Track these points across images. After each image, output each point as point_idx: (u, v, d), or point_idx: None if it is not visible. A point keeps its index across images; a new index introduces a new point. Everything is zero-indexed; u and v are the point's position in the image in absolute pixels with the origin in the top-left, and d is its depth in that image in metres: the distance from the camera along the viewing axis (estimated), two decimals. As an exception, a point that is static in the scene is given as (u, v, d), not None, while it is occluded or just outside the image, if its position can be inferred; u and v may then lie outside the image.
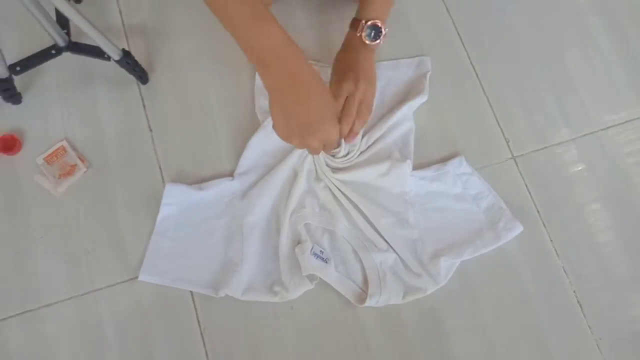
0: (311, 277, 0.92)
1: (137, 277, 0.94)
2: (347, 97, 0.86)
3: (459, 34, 1.10)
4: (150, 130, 1.03)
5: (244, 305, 0.93)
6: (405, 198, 0.95)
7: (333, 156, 0.96)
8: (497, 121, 1.04)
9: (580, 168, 1.02)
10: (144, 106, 1.05)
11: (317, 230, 0.95)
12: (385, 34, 0.90)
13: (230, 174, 0.99)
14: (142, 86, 1.06)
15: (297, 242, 0.94)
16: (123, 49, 0.98)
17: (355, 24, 0.91)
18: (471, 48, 1.09)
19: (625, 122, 1.05)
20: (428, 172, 0.97)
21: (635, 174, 1.02)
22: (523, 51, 1.09)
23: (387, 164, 0.94)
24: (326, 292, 0.94)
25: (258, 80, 1.03)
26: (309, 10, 1.11)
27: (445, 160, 1.00)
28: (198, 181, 0.99)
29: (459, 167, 0.98)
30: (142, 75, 1.04)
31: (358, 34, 0.89)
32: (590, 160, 1.03)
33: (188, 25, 1.09)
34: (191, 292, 0.94)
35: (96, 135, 1.03)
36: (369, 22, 0.88)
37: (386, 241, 0.94)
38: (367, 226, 0.94)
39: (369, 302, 0.90)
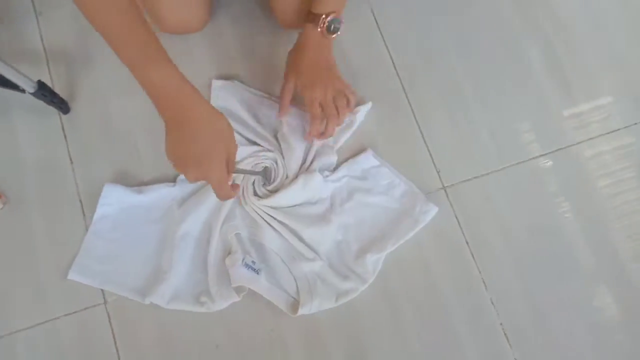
0: (239, 290, 0.91)
1: (57, 318, 0.92)
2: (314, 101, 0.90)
3: (392, 61, 1.08)
4: (72, 162, 1.00)
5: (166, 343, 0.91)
6: (324, 204, 0.96)
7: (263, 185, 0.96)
8: (428, 151, 1.03)
9: (509, 198, 1.02)
10: (65, 136, 1.01)
11: (247, 240, 0.94)
12: (343, 25, 0.89)
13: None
14: (63, 116, 1.02)
15: (228, 252, 0.93)
16: (38, 81, 0.94)
17: (313, 18, 0.88)
18: (404, 75, 1.07)
19: (555, 150, 1.05)
20: (340, 173, 0.98)
21: (559, 204, 1.02)
22: (456, 80, 1.08)
23: (301, 180, 0.94)
24: (253, 303, 0.93)
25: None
26: (241, 35, 1.08)
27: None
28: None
29: (366, 161, 0.99)
30: (61, 106, 1.00)
31: (319, 29, 0.88)
32: (518, 190, 1.02)
33: (111, 53, 1.04)
34: (113, 335, 0.92)
35: (14, 169, 0.99)
36: (330, 16, 0.87)
37: (313, 250, 0.94)
38: (293, 237, 0.94)
39: (301, 311, 0.90)
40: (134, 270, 0.93)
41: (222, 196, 0.75)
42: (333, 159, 0.99)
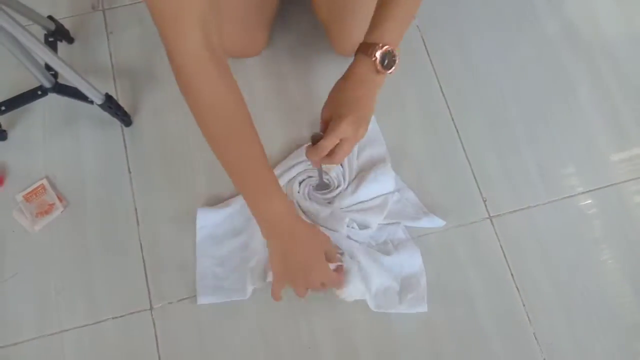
0: None
1: (104, 320, 0.95)
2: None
3: (442, 91, 1.10)
4: (130, 172, 1.05)
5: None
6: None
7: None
8: (475, 180, 1.04)
9: (556, 232, 1.01)
10: (126, 148, 1.06)
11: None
12: (398, 63, 0.77)
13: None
14: (125, 128, 1.07)
15: None
16: (106, 94, 1.00)
17: (366, 48, 0.76)
18: (453, 105, 1.09)
19: (605, 186, 1.04)
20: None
21: (602, 247, 1.00)
22: (505, 111, 1.09)
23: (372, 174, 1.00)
24: (293, 318, 0.93)
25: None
26: (296, 62, 1.13)
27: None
28: (178, 226, 1.01)
29: (394, 233, 1.00)
30: (124, 119, 1.06)
31: (373, 59, 0.76)
32: (565, 225, 1.01)
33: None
34: (156, 341, 0.94)
35: (76, 175, 1.04)
36: (384, 47, 0.75)
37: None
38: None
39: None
40: (243, 276, 0.97)
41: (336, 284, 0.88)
42: (382, 148, 1.03)
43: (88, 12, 1.17)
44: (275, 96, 1.09)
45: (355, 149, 1.03)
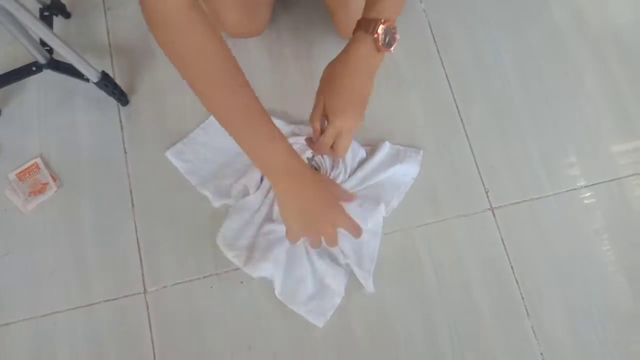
0: None
1: (97, 303, 0.93)
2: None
3: (447, 78, 1.07)
4: (126, 152, 1.03)
5: (200, 344, 0.91)
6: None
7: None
8: (478, 170, 1.02)
9: (557, 225, 0.99)
10: (122, 128, 1.04)
11: None
12: (398, 40, 0.74)
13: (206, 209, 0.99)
14: (121, 107, 1.05)
15: None
16: (102, 72, 0.97)
17: (367, 25, 0.72)
18: (458, 93, 1.06)
19: (609, 180, 1.02)
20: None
21: (613, 233, 0.99)
22: (511, 99, 1.06)
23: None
24: (290, 311, 0.92)
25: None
26: (298, 43, 1.10)
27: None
28: (175, 208, 0.99)
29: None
30: (121, 98, 1.03)
31: (375, 35, 0.71)
32: (567, 218, 1.00)
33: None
34: (150, 325, 0.93)
35: (71, 154, 1.02)
36: (386, 23, 0.71)
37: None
38: None
39: None
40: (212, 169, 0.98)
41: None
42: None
43: (85, -13, 1.13)
44: (276, 77, 1.06)
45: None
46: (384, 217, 0.97)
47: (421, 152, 1.00)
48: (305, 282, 0.93)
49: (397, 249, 0.97)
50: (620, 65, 1.09)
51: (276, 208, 0.94)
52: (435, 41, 1.10)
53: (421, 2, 1.13)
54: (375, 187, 0.98)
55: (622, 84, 1.08)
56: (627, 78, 1.08)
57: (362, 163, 0.98)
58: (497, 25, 1.12)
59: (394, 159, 0.99)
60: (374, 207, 0.95)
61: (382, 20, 0.71)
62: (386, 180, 0.98)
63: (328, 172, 0.96)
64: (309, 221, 0.76)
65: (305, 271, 0.93)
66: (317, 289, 0.93)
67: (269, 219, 0.95)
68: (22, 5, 0.80)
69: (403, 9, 0.76)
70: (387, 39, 0.72)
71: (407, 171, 0.99)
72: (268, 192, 0.97)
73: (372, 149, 1.01)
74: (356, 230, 0.78)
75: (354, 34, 0.75)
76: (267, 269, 0.91)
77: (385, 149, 1.00)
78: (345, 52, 0.76)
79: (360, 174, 0.97)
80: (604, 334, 0.94)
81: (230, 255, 0.93)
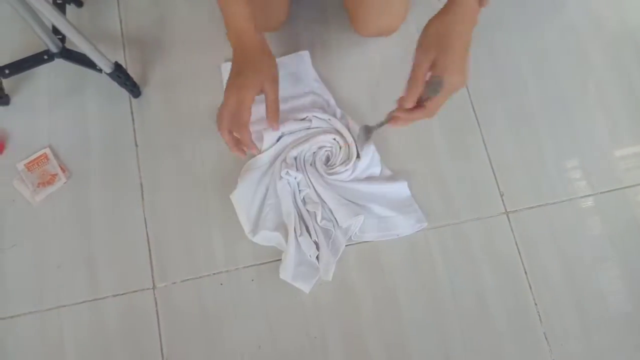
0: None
1: (105, 297, 0.92)
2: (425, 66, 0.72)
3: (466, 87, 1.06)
4: (137, 145, 1.01)
5: (210, 340, 0.90)
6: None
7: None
8: (494, 173, 1.00)
9: (572, 230, 0.98)
10: (133, 120, 1.02)
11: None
12: None
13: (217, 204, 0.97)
14: (133, 99, 1.03)
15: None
16: (115, 62, 0.95)
17: None
18: (475, 96, 1.05)
19: (623, 188, 1.01)
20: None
21: (627, 240, 0.98)
22: (527, 103, 1.05)
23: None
24: (300, 309, 0.90)
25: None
26: (313, 40, 1.08)
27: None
28: (186, 203, 0.98)
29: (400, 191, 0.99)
30: (133, 89, 1.01)
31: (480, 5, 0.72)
32: (585, 224, 0.98)
33: (187, 42, 1.06)
34: (158, 320, 0.91)
35: (81, 145, 1.00)
36: None
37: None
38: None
39: None
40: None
41: (234, 127, 0.80)
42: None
43: (98, -25, 1.11)
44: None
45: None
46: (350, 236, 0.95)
47: (425, 224, 0.96)
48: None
49: (410, 249, 0.95)
50: (638, 68, 1.07)
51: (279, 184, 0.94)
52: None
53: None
54: (364, 201, 0.96)
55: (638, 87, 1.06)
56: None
57: (370, 179, 0.97)
58: (514, 29, 1.10)
59: (400, 205, 0.97)
60: (352, 214, 0.93)
61: None
62: (377, 213, 0.96)
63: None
64: (233, 82, 0.80)
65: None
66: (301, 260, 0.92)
67: (274, 188, 0.95)
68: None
69: None
70: None
71: (400, 224, 0.96)
72: (278, 154, 0.96)
73: (391, 176, 0.99)
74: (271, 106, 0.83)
75: None
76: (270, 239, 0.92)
77: (403, 190, 0.98)
78: (451, 8, 0.73)
79: (360, 186, 0.96)
80: (616, 339, 0.93)
81: (241, 217, 0.93)
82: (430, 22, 0.74)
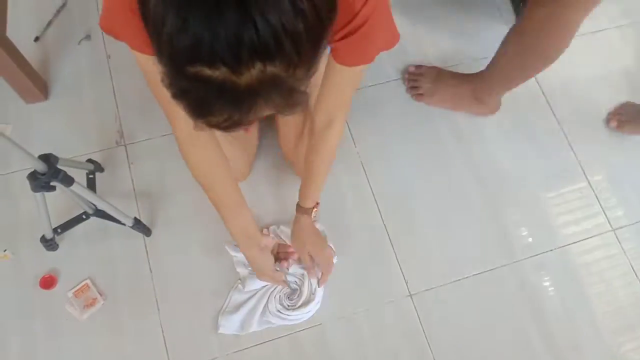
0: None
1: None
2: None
3: (371, 189, 1.54)
4: (151, 271, 1.44)
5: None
6: None
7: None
8: (397, 260, 1.47)
9: (470, 305, 1.45)
10: (147, 253, 1.46)
11: None
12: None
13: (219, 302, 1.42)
14: (146, 238, 1.47)
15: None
16: (135, 218, 1.39)
17: (305, 211, 1.29)
18: (382, 205, 1.53)
19: (488, 270, 1.49)
20: None
21: (539, 308, 1.46)
22: (427, 212, 1.54)
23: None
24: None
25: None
26: (270, 183, 1.55)
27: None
28: (196, 317, 1.40)
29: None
30: (146, 232, 1.45)
31: (312, 218, 1.32)
32: (479, 299, 1.45)
33: (183, 191, 1.51)
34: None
35: (111, 275, 1.43)
36: (315, 208, 1.30)
37: None
38: None
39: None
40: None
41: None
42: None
43: (113, 147, 1.56)
44: (256, 210, 1.50)
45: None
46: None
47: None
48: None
49: (347, 331, 1.41)
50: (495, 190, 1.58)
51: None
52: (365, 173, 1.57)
53: (355, 146, 1.60)
54: None
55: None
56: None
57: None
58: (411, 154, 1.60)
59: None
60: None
61: (314, 207, 1.29)
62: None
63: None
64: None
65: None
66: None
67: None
68: (80, 187, 1.22)
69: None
70: (315, 215, 1.32)
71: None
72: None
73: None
74: (280, 282, 1.39)
75: (298, 213, 1.32)
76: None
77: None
78: (297, 226, 1.33)
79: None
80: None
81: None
82: (293, 234, 1.37)
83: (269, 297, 1.40)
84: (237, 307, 1.40)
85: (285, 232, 1.47)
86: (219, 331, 1.37)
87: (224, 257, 1.45)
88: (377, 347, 1.39)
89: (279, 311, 1.38)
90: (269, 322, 1.39)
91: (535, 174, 1.60)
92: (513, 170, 1.60)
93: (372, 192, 1.55)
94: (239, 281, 1.42)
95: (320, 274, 1.39)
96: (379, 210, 1.52)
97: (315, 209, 1.30)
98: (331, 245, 1.45)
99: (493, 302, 1.46)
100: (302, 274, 1.42)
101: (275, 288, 1.41)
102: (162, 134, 1.56)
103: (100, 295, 1.40)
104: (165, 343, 1.37)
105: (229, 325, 1.38)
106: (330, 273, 1.39)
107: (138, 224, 1.40)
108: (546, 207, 1.56)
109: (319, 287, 1.41)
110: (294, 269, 1.43)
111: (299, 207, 1.30)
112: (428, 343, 1.41)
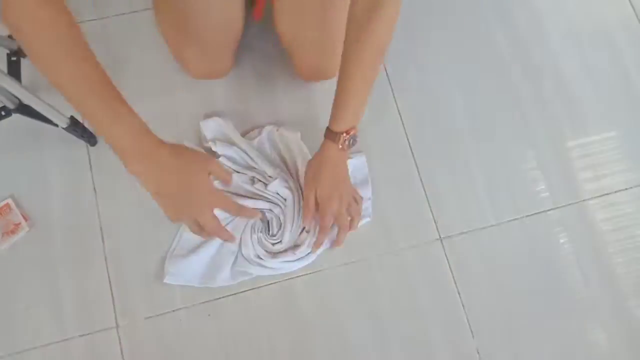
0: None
1: (70, 338, 0.99)
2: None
3: (399, 112, 1.15)
4: (95, 191, 1.07)
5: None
6: None
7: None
8: (427, 200, 1.10)
9: (504, 253, 1.09)
10: (91, 167, 1.09)
11: None
12: (358, 139, 0.96)
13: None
14: (90, 147, 1.09)
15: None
16: (71, 117, 1.01)
17: (334, 136, 0.92)
18: (410, 127, 1.14)
19: (549, 210, 1.12)
20: None
21: (556, 263, 1.09)
22: (458, 130, 1.15)
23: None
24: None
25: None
26: (259, 83, 1.16)
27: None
28: (145, 244, 1.05)
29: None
30: (90, 139, 1.07)
31: (340, 146, 0.92)
32: (513, 246, 1.10)
33: (141, 89, 1.12)
34: (122, 356, 0.99)
35: (41, 194, 1.07)
36: (350, 134, 0.92)
37: None
38: None
39: None
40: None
41: (220, 235, 0.82)
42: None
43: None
44: (239, 118, 1.12)
45: None
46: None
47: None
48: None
49: (354, 275, 1.06)
50: (556, 97, 1.19)
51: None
52: (388, 76, 1.18)
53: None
54: None
55: (559, 114, 1.17)
56: (563, 108, 1.18)
57: None
58: (445, 57, 1.20)
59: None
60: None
61: (345, 134, 0.91)
62: None
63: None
64: (177, 206, 0.75)
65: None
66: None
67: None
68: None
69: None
70: (349, 143, 0.93)
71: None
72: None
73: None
74: (234, 208, 0.83)
75: (325, 140, 0.94)
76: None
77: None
78: (319, 154, 0.96)
79: None
80: (545, 356, 1.04)
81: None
82: (309, 163, 0.99)
83: (241, 240, 1.04)
84: (192, 250, 1.04)
85: (288, 137, 1.08)
86: (164, 280, 1.01)
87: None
88: (393, 298, 1.05)
89: (258, 257, 1.02)
90: (245, 272, 1.03)
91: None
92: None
93: (397, 107, 1.16)
94: None
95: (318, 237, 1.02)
96: (404, 130, 1.14)
97: (347, 136, 0.92)
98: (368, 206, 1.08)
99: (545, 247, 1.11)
100: (281, 194, 1.05)
101: (246, 225, 1.04)
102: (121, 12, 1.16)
103: (25, 219, 1.04)
104: (110, 286, 1.03)
105: (179, 273, 1.02)
106: (341, 244, 1.03)
107: (75, 127, 1.02)
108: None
109: (312, 252, 1.04)
110: (274, 185, 1.04)
111: (327, 131, 0.95)
112: (459, 293, 1.06)
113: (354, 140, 0.94)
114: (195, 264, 1.01)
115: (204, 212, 0.78)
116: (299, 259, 1.03)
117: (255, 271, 1.02)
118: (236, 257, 1.03)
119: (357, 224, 1.03)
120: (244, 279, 1.03)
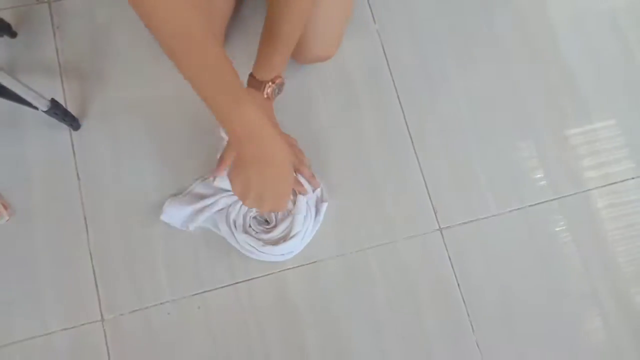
0: None
1: (53, 332, 0.94)
2: None
3: (399, 99, 1.10)
4: (79, 178, 1.02)
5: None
6: None
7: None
8: (427, 190, 1.06)
9: (503, 244, 1.05)
10: (74, 153, 1.03)
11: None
12: (284, 87, 0.93)
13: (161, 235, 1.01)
14: (73, 132, 1.04)
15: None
16: (51, 100, 0.96)
17: (258, 85, 0.90)
18: (410, 113, 1.09)
19: (552, 199, 1.08)
20: None
21: (557, 254, 1.05)
22: (461, 123, 1.10)
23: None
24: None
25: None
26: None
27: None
28: (130, 234, 1.00)
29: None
30: (72, 123, 1.02)
31: (265, 95, 0.90)
32: (513, 237, 1.05)
33: (128, 73, 1.07)
34: (108, 353, 0.95)
35: (22, 181, 1.01)
36: (276, 82, 0.90)
37: None
38: None
39: None
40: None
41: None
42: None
43: (32, 4, 1.10)
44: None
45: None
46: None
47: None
48: None
49: (348, 269, 1.01)
50: (562, 84, 1.14)
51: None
52: (387, 61, 1.12)
53: (375, 23, 1.14)
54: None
55: (565, 104, 1.13)
56: (569, 97, 1.13)
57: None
58: (445, 43, 1.14)
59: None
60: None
61: (271, 81, 0.89)
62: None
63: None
64: (264, 198, 0.79)
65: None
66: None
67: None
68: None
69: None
70: (275, 92, 0.91)
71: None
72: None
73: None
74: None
75: (248, 86, 0.91)
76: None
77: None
78: None
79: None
80: (544, 349, 1.00)
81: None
82: None
83: (239, 209, 0.99)
84: (195, 199, 0.99)
85: None
86: (161, 217, 0.98)
87: (181, 161, 1.03)
88: (389, 290, 1.01)
89: (245, 230, 0.99)
90: (222, 231, 0.99)
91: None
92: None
93: (395, 86, 1.11)
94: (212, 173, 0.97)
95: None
96: (404, 119, 1.09)
97: (273, 84, 0.90)
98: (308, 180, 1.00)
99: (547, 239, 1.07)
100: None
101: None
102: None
103: (5, 208, 0.99)
104: (95, 278, 0.98)
105: (176, 215, 0.99)
106: (317, 184, 1.01)
107: (56, 109, 0.97)
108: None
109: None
110: None
111: (251, 79, 0.91)
112: (458, 285, 1.02)
113: (279, 89, 0.91)
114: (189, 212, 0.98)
115: (283, 205, 0.83)
116: (290, 252, 0.99)
117: (228, 236, 0.98)
118: (227, 220, 0.98)
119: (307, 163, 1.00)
120: (216, 231, 0.99)
